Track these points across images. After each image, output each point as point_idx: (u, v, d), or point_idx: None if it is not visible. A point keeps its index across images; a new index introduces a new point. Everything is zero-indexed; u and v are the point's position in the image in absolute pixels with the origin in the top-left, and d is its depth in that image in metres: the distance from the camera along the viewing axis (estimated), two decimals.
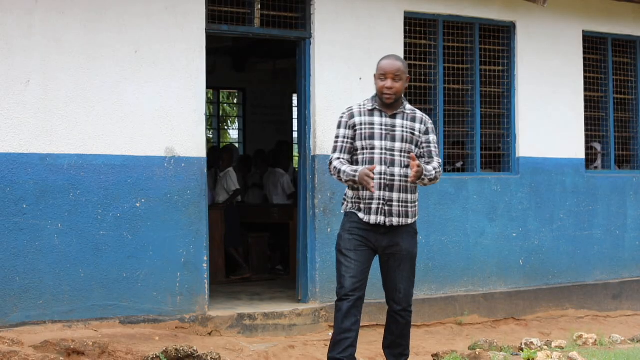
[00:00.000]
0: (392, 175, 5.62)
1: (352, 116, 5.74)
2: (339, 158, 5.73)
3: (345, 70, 8.19)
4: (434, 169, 5.68)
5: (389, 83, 5.64)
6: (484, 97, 9.16)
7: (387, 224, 5.64)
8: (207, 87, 7.88)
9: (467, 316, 8.82)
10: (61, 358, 6.25)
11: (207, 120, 12.67)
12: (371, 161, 5.64)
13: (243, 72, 14.12)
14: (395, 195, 5.63)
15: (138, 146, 7.18)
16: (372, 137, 5.66)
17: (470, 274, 8.90)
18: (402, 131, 5.67)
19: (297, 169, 10.00)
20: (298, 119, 8.44)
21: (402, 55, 8.47)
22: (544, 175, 9.40)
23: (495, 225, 9.07)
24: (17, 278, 6.71)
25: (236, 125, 17.30)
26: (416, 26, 8.72)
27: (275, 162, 11.89)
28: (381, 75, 5.68)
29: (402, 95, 5.73)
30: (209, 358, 6.38)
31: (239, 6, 7.83)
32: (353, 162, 5.73)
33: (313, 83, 8.02)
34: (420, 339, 8.13)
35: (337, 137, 5.78)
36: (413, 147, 5.71)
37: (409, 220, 5.72)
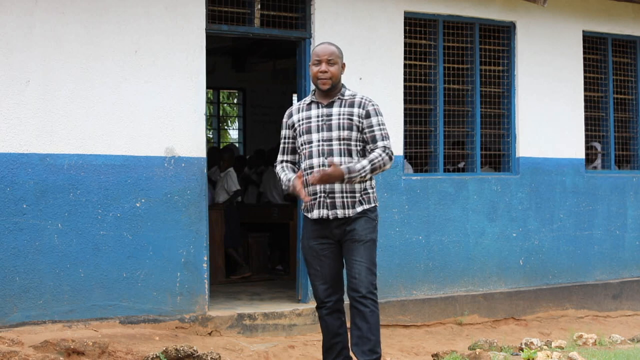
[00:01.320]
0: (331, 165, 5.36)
1: (290, 115, 5.62)
2: (282, 161, 5.65)
3: (346, 71, 8.14)
4: (370, 162, 5.37)
5: (323, 67, 5.44)
6: (484, 97, 9.16)
7: (331, 217, 5.43)
8: (207, 87, 7.88)
9: (467, 316, 8.82)
10: (61, 358, 6.25)
11: (207, 120, 12.68)
12: (310, 155, 5.46)
13: (243, 72, 14.13)
14: (337, 187, 5.41)
15: (138, 146, 7.18)
16: (309, 131, 5.49)
17: (470, 274, 8.90)
18: (339, 119, 5.45)
19: None
20: None
21: (402, 55, 8.49)
22: (544, 175, 9.40)
23: (495, 225, 9.07)
24: (17, 278, 6.71)
25: (236, 125, 17.30)
26: (416, 26, 8.72)
27: (275, 161, 11.88)
28: (315, 60, 5.48)
29: (341, 83, 5.54)
30: (209, 358, 6.38)
31: (239, 6, 7.83)
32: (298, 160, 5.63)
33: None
34: (420, 339, 8.13)
35: (281, 138, 5.69)
36: (354, 134, 5.44)
37: (358, 209, 5.45)
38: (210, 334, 7.41)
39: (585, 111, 9.79)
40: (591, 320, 9.53)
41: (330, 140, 5.44)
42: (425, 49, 8.85)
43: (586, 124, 9.82)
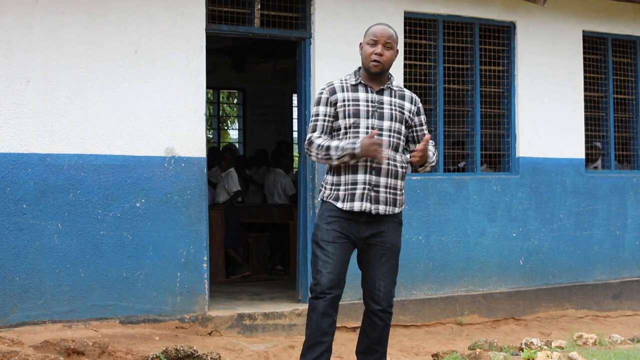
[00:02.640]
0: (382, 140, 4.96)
1: (333, 91, 5.08)
2: (320, 137, 5.04)
3: (346, 70, 8.01)
4: (434, 155, 5.15)
5: (379, 49, 5.00)
6: (484, 97, 9.16)
7: (374, 211, 5.00)
8: (207, 87, 7.88)
9: (467, 316, 8.82)
10: (61, 358, 6.25)
11: (207, 120, 12.68)
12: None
13: (243, 72, 14.13)
14: (382, 180, 5.00)
15: (138, 146, 7.18)
16: (357, 114, 5.01)
17: (470, 274, 8.90)
18: (391, 109, 5.05)
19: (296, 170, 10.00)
20: (298, 119, 8.44)
21: (402, 56, 8.48)
22: (544, 175, 9.40)
23: (495, 225, 9.07)
24: (17, 278, 6.72)
25: (236, 125, 17.30)
26: (416, 26, 8.72)
27: (275, 162, 11.90)
28: (372, 40, 5.02)
29: (390, 71, 5.13)
30: (209, 358, 6.38)
31: (239, 6, 7.83)
32: None
33: (313, 83, 8.01)
34: (420, 339, 8.13)
35: (316, 115, 5.08)
36: (403, 128, 5.09)
37: (396, 210, 5.08)
38: (210, 334, 7.41)
39: (585, 111, 9.79)
40: (591, 320, 9.53)
41: (381, 129, 5.00)
42: (425, 49, 8.85)
43: (586, 124, 9.81)
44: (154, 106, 7.25)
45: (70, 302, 6.89)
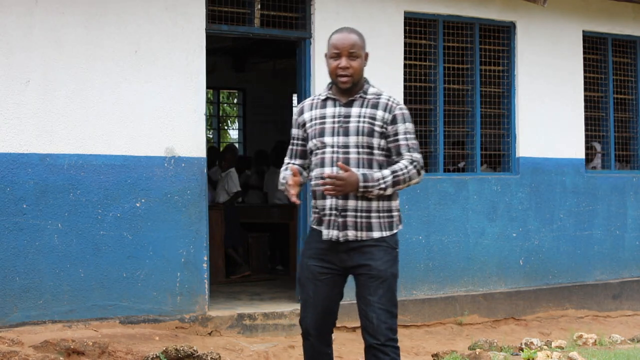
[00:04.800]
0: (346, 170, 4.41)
1: (301, 112, 4.66)
2: (287, 164, 4.66)
3: None
4: (393, 173, 4.46)
5: (343, 62, 4.52)
6: (484, 97, 9.16)
7: (341, 239, 4.46)
8: (207, 87, 7.88)
9: (467, 316, 8.82)
10: (61, 358, 6.25)
11: (207, 120, 12.68)
12: (321, 162, 4.52)
13: (243, 72, 14.13)
14: (351, 204, 4.45)
15: (138, 146, 7.18)
16: (322, 133, 4.53)
17: (470, 274, 8.90)
18: (358, 121, 4.49)
19: None
20: None
21: (402, 56, 8.48)
22: (544, 175, 9.40)
23: (495, 225, 9.07)
24: (17, 278, 6.72)
25: (236, 125, 17.30)
26: (416, 26, 8.72)
27: (275, 162, 11.89)
28: (333, 53, 4.54)
29: (364, 78, 4.62)
30: (209, 358, 6.38)
31: (239, 6, 7.83)
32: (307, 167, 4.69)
33: (313, 83, 8.01)
34: (420, 339, 8.13)
35: (291, 138, 4.74)
36: (375, 141, 4.49)
37: (375, 234, 4.48)
38: (210, 334, 7.41)
39: (585, 111, 9.79)
40: (591, 320, 9.53)
41: (347, 146, 4.49)
42: (425, 49, 8.85)
43: (586, 124, 9.82)
44: (154, 106, 7.25)
45: (70, 302, 6.89)
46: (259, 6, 7.89)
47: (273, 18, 7.98)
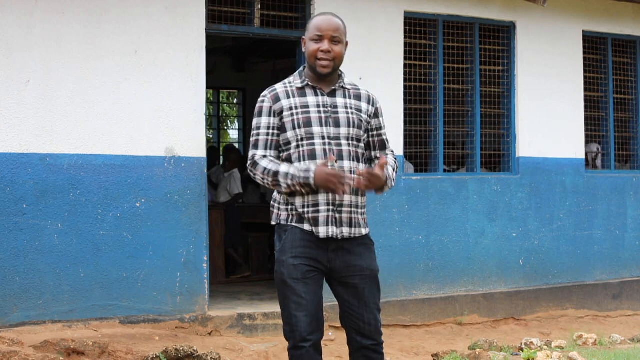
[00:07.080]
0: (342, 171, 4.18)
1: (277, 99, 4.29)
2: (265, 156, 4.29)
3: (345, 70, 8.15)
4: (393, 170, 4.36)
5: (325, 45, 4.25)
6: (484, 97, 9.17)
7: (339, 236, 4.25)
8: (207, 87, 7.89)
9: (467, 316, 8.82)
10: (61, 358, 6.25)
11: (207, 120, 12.68)
12: (311, 155, 4.24)
13: (243, 72, 14.12)
14: (346, 198, 4.25)
15: (138, 146, 7.18)
16: (308, 123, 4.24)
17: (470, 274, 8.91)
18: (347, 112, 4.30)
19: None
20: None
21: (402, 55, 8.48)
22: (544, 175, 9.40)
23: (495, 225, 9.08)
24: (17, 278, 6.72)
25: (236, 125, 17.30)
26: (416, 26, 8.73)
27: None
28: (315, 35, 4.26)
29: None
30: (209, 358, 6.38)
31: (239, 6, 7.83)
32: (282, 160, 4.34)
33: None
34: (420, 339, 8.13)
35: (257, 127, 4.31)
36: (362, 134, 4.33)
37: (363, 231, 4.32)
38: (210, 334, 7.41)
39: (585, 111, 9.80)
40: (591, 320, 9.53)
41: (339, 138, 4.26)
42: (425, 49, 8.85)
43: (586, 124, 9.82)
44: (154, 106, 7.25)
45: (70, 302, 6.89)
46: (259, 6, 7.89)
47: (273, 18, 7.98)
